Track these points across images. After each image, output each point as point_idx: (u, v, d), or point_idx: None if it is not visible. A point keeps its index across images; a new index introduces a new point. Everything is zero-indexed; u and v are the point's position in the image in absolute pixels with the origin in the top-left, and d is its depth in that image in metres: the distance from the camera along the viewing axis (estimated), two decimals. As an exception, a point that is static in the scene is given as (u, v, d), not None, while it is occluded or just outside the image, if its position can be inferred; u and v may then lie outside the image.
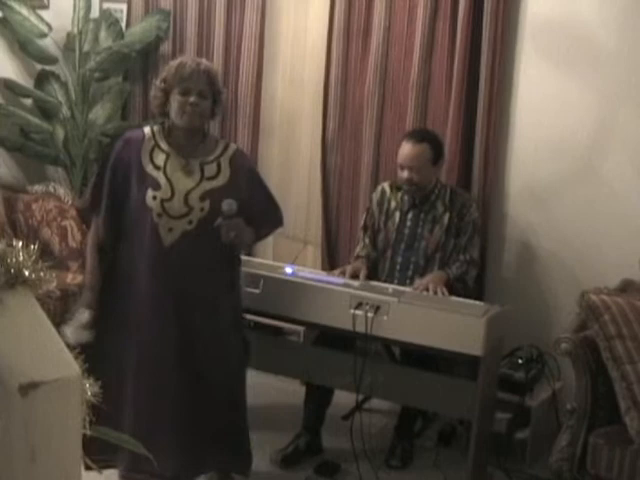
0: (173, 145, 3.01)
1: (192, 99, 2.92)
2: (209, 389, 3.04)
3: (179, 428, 3.01)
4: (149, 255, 2.96)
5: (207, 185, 2.98)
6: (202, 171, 2.99)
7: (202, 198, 2.96)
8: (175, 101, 2.94)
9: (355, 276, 3.62)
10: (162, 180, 2.95)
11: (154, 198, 2.94)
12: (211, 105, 2.99)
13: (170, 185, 2.95)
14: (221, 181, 3.00)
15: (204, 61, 3.07)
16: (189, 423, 3.02)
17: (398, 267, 3.76)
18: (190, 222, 2.95)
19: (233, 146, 3.15)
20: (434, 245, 3.71)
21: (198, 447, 3.03)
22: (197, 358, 3.01)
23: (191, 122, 2.96)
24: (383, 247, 3.81)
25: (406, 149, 3.67)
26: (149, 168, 2.97)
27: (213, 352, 3.04)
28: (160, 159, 2.99)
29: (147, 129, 3.06)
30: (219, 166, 3.02)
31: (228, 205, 2.91)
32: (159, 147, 3.01)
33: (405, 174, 3.67)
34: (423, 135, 3.75)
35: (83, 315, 3.00)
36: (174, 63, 3.02)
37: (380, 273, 3.78)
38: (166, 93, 2.97)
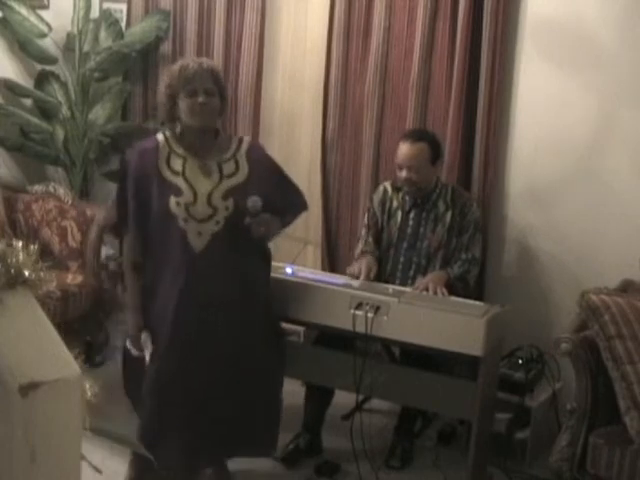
0: (188, 148, 2.99)
1: (200, 99, 2.91)
2: (248, 391, 3.05)
3: (215, 423, 3.02)
4: (179, 264, 2.92)
5: (228, 183, 2.97)
6: (220, 170, 2.98)
7: (225, 197, 2.94)
8: (184, 104, 2.92)
9: (369, 274, 3.60)
10: (183, 185, 2.93)
11: (178, 204, 2.91)
12: (220, 102, 2.99)
13: (192, 188, 2.93)
14: (241, 177, 2.99)
15: (206, 60, 3.07)
16: (225, 419, 3.03)
17: (400, 266, 3.76)
18: (217, 223, 2.93)
19: (247, 139, 3.14)
20: (436, 244, 3.71)
21: (230, 438, 3.06)
22: (237, 360, 3.01)
23: (204, 121, 2.94)
24: (386, 246, 3.81)
25: (404, 149, 3.67)
26: (168, 175, 2.94)
27: (252, 352, 3.04)
28: (178, 164, 2.96)
29: (159, 136, 3.03)
30: (237, 163, 3.01)
31: (253, 202, 2.90)
32: (175, 152, 2.98)
33: (404, 174, 3.67)
34: (421, 135, 3.76)
35: (146, 341, 2.97)
36: (176, 67, 3.00)
37: (382, 272, 3.78)
38: (173, 98, 2.95)
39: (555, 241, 3.96)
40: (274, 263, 3.61)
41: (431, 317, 3.26)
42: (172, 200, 2.91)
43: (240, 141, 3.09)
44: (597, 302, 3.13)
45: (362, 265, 3.65)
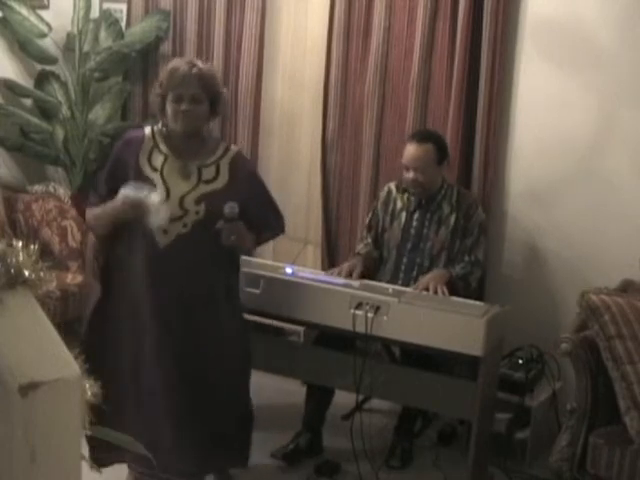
0: (172, 147, 2.99)
1: (183, 107, 2.91)
2: (209, 390, 3.02)
3: (180, 429, 3.01)
4: (144, 257, 2.94)
5: (204, 189, 2.96)
6: (199, 174, 2.98)
7: (197, 202, 2.94)
8: (169, 107, 2.94)
9: (350, 274, 3.61)
10: (158, 182, 2.94)
11: None
12: (208, 107, 2.97)
13: (166, 187, 2.93)
14: (219, 184, 2.98)
15: (199, 63, 3.02)
16: (190, 424, 3.01)
17: (403, 267, 3.75)
18: (185, 225, 2.93)
19: (234, 149, 3.13)
20: (439, 246, 3.71)
21: (201, 447, 3.03)
22: (196, 360, 3.00)
23: (185, 127, 2.95)
24: (388, 248, 3.80)
25: (411, 150, 3.67)
26: (147, 170, 2.97)
27: (213, 354, 3.02)
28: (158, 161, 2.98)
29: (148, 129, 3.05)
30: (218, 169, 3.00)
31: (230, 208, 2.89)
32: (158, 148, 3.00)
33: (410, 175, 3.67)
34: (427, 135, 3.76)
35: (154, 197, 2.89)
36: (168, 67, 3.00)
37: (385, 273, 3.78)
38: (163, 97, 2.96)
39: (555, 241, 3.96)
40: (274, 263, 3.62)
41: (431, 317, 3.26)
42: None
43: (227, 149, 3.08)
44: (597, 302, 3.13)
45: (344, 265, 3.69)
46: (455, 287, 3.58)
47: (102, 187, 3.04)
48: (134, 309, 2.98)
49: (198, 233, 2.94)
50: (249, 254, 3.22)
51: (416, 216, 3.76)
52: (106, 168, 3.06)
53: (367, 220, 3.91)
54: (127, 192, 2.87)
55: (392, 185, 3.87)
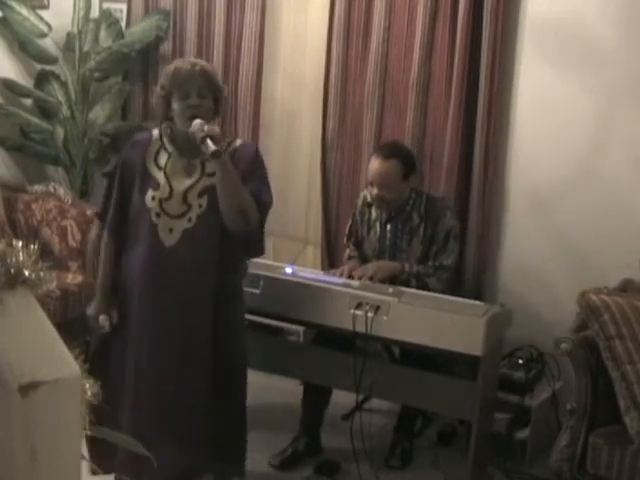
0: (177, 146, 3.00)
1: (192, 101, 2.91)
2: (207, 391, 3.02)
3: (175, 429, 3.01)
4: (147, 257, 2.94)
5: (207, 181, 2.96)
6: (203, 167, 2.98)
7: (200, 194, 2.95)
8: (177, 106, 2.92)
9: (351, 276, 3.61)
10: (162, 180, 2.95)
11: (153, 198, 2.94)
12: (211, 105, 2.98)
13: (169, 184, 2.94)
14: None
15: (200, 61, 3.05)
16: (185, 424, 3.01)
17: None
18: (189, 220, 2.93)
19: (238, 141, 3.12)
20: (414, 257, 3.66)
21: (194, 449, 3.02)
22: (197, 360, 3.00)
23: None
24: (367, 257, 3.79)
25: (375, 165, 3.60)
26: (153, 170, 2.97)
27: (215, 354, 3.02)
28: (163, 159, 2.99)
29: (155, 131, 3.05)
30: None
31: (195, 124, 2.82)
32: (164, 148, 3.00)
33: (375, 191, 3.61)
34: (392, 151, 3.65)
35: (103, 324, 3.05)
36: (170, 68, 3.00)
37: None
38: (166, 99, 2.95)
39: (555, 241, 3.96)
40: (274, 263, 3.62)
41: (431, 317, 3.27)
42: (149, 193, 2.94)
43: (230, 142, 3.07)
44: (597, 302, 3.13)
45: (344, 268, 3.66)
46: (408, 283, 3.55)
47: (114, 198, 3.03)
48: (136, 310, 2.98)
49: (202, 227, 2.94)
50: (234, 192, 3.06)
51: (389, 227, 3.72)
52: (114, 178, 3.05)
53: (347, 228, 3.89)
54: (99, 319, 3.06)
55: (367, 193, 3.77)
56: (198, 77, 2.93)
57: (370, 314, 3.27)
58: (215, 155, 2.79)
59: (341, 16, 4.25)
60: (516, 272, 4.06)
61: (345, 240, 3.90)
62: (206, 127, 2.82)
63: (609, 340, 3.07)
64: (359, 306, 3.30)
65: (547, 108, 3.91)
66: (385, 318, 3.29)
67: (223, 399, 3.06)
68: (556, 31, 3.86)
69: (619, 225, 3.80)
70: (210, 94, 2.96)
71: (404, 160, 3.61)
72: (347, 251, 3.88)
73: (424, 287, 3.59)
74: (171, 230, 2.93)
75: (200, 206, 2.94)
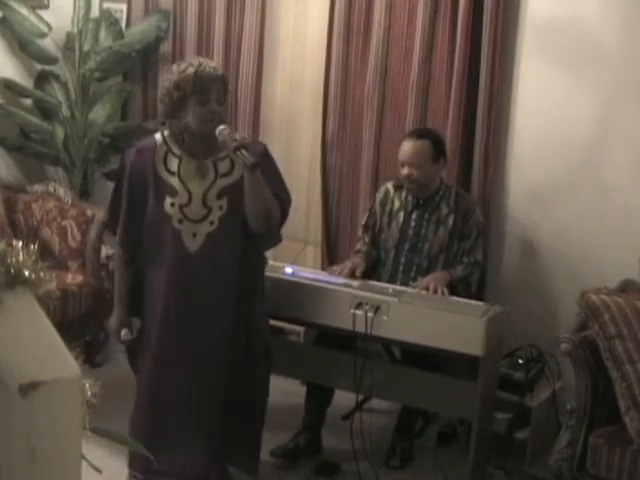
0: (185, 148, 2.98)
1: (212, 107, 2.87)
2: (232, 392, 3.05)
3: (199, 428, 3.03)
4: (173, 264, 2.93)
5: (222, 182, 2.95)
6: (216, 169, 2.97)
7: (219, 196, 2.94)
8: (194, 110, 2.87)
9: (353, 272, 3.62)
10: (178, 185, 2.93)
11: (172, 205, 2.92)
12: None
13: (186, 189, 2.93)
14: (236, 176, 2.96)
15: (217, 66, 3.02)
16: (210, 424, 3.03)
17: (401, 268, 3.75)
18: (212, 223, 2.93)
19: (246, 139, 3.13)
20: (438, 247, 3.71)
21: (214, 448, 3.04)
22: (222, 362, 3.01)
23: (213, 129, 2.89)
24: (386, 248, 3.80)
25: (406, 146, 3.69)
26: (164, 175, 2.95)
27: (238, 355, 3.04)
28: (174, 164, 2.96)
29: (158, 136, 3.02)
30: (232, 161, 2.97)
31: (220, 130, 2.83)
32: (172, 152, 2.98)
33: (405, 171, 3.67)
34: (423, 132, 3.78)
35: (126, 337, 3.07)
36: (188, 70, 2.89)
37: (383, 274, 3.78)
38: (182, 100, 2.88)
39: (555, 241, 3.96)
40: (274, 263, 3.61)
41: (431, 317, 3.27)
42: (167, 201, 2.93)
43: None
44: (597, 302, 3.13)
45: (347, 263, 3.69)
46: (455, 289, 3.58)
47: (119, 214, 3.03)
48: (164, 319, 2.98)
49: (226, 229, 2.93)
50: (273, 225, 3.03)
51: (414, 216, 3.76)
52: (121, 186, 3.03)
53: (364, 220, 3.91)
54: (121, 333, 3.07)
55: (389, 185, 3.86)
56: (218, 83, 2.91)
57: (370, 314, 3.27)
58: (254, 167, 2.79)
59: (341, 16, 4.25)
60: (516, 272, 4.06)
61: (360, 232, 3.90)
62: (237, 136, 2.83)
63: (609, 340, 3.07)
64: (359, 306, 3.31)
65: (547, 108, 3.91)
66: (385, 318, 3.29)
67: (244, 398, 3.08)
68: (556, 31, 3.86)
69: (619, 225, 3.80)
70: (226, 99, 2.97)
71: (435, 142, 3.70)
72: (357, 245, 3.89)
73: (468, 289, 3.64)
74: (194, 235, 2.92)
75: (221, 208, 2.93)
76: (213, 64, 3.00)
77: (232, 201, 2.92)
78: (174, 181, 2.94)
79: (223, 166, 2.97)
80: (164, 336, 2.99)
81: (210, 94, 2.88)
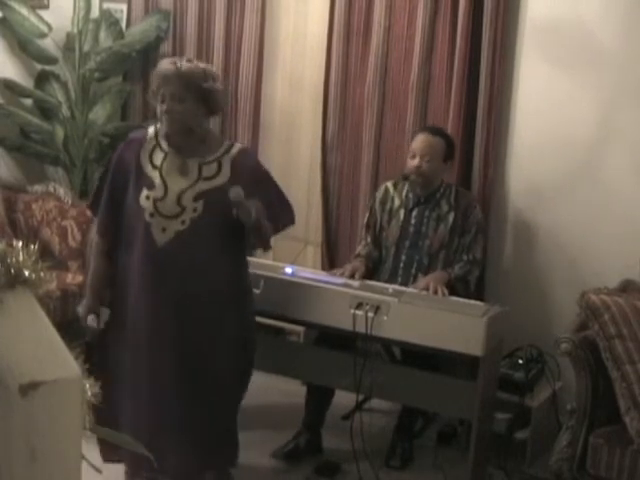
0: (172, 145, 2.99)
1: (165, 106, 2.91)
2: (207, 389, 3.02)
3: (177, 428, 3.01)
4: (142, 256, 2.95)
5: (203, 185, 2.95)
6: (200, 171, 2.97)
7: (196, 198, 2.94)
8: (157, 108, 2.96)
9: (353, 276, 3.62)
10: (157, 179, 2.95)
11: (147, 198, 2.93)
12: (194, 106, 2.92)
13: (164, 184, 2.94)
14: (220, 181, 2.97)
15: (181, 62, 2.96)
16: (187, 422, 3.01)
17: (402, 265, 3.76)
18: (183, 222, 2.92)
19: (238, 146, 3.11)
20: (438, 244, 3.71)
21: (196, 447, 3.03)
22: (195, 360, 3.00)
23: (168, 127, 2.94)
24: (386, 246, 3.81)
25: (421, 138, 3.73)
26: (148, 169, 2.97)
27: (213, 354, 3.02)
28: (158, 159, 2.98)
29: (151, 129, 3.06)
30: (220, 166, 2.98)
31: (234, 193, 2.85)
32: (160, 147, 3.00)
33: (415, 161, 3.69)
34: (440, 131, 3.81)
35: (92, 323, 3.09)
36: (158, 67, 3.01)
37: (383, 271, 3.78)
38: (154, 96, 2.97)
39: (555, 241, 3.96)
40: (274, 263, 3.61)
41: (431, 317, 3.27)
42: (144, 192, 2.94)
43: (230, 146, 3.06)
44: (597, 302, 3.13)
45: (347, 267, 3.70)
46: (454, 288, 3.58)
47: (99, 202, 3.07)
48: (132, 309, 2.99)
49: (197, 231, 2.93)
50: (268, 245, 3.14)
51: (414, 213, 3.77)
52: (107, 175, 3.08)
53: (365, 219, 3.91)
54: (88, 319, 3.09)
55: (389, 184, 3.87)
56: (172, 80, 2.89)
57: (370, 314, 3.27)
58: (267, 249, 3.01)
59: (341, 17, 4.25)
60: (516, 272, 4.06)
61: (363, 232, 3.91)
62: (253, 211, 2.86)
63: (609, 340, 3.07)
64: (359, 306, 3.31)
65: (547, 109, 3.91)
66: (385, 318, 3.29)
67: (220, 396, 3.06)
68: (556, 32, 3.86)
69: (619, 225, 3.80)
70: (191, 96, 2.91)
71: (448, 143, 3.75)
72: (358, 247, 3.89)
73: (467, 287, 3.65)
74: (164, 230, 2.93)
75: (195, 210, 2.93)
76: (182, 63, 2.94)
77: (209, 205, 2.92)
78: (155, 175, 2.95)
79: (208, 169, 2.97)
80: (135, 325, 2.99)
81: (165, 92, 2.91)
